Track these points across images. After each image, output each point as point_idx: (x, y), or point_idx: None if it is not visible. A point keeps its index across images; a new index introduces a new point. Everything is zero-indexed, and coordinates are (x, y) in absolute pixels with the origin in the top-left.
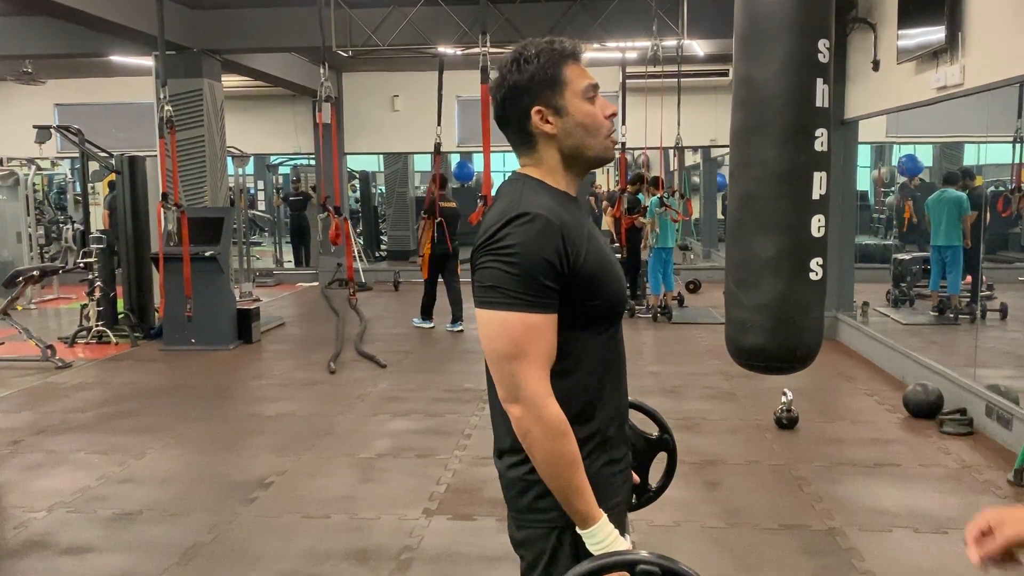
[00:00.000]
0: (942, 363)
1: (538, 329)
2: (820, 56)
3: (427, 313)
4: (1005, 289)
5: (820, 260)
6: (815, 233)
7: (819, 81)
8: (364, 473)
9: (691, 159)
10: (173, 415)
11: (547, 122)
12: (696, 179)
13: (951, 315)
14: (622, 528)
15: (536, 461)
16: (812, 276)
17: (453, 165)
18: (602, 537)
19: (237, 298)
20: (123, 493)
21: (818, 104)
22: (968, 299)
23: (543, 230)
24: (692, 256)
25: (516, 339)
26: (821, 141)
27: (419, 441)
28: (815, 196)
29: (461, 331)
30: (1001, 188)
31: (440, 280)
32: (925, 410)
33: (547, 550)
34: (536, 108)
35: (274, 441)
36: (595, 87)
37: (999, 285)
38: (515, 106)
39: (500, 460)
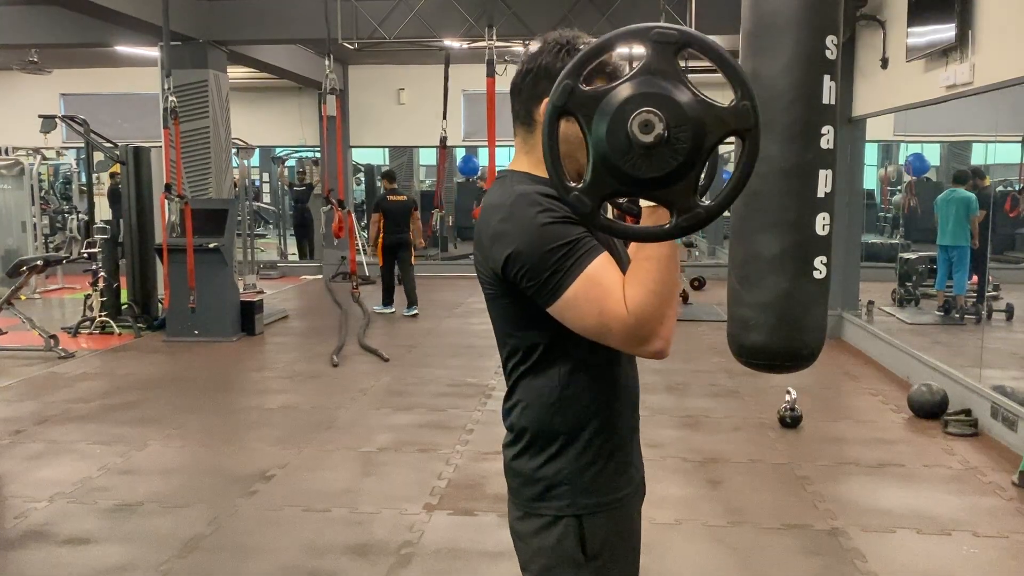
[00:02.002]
0: (947, 363)
1: (601, 269)
2: (828, 52)
3: (388, 300)
4: (1012, 289)
5: (824, 258)
6: (820, 231)
7: (826, 78)
8: (365, 467)
9: None
10: (175, 406)
11: None
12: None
13: (957, 315)
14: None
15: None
16: (816, 274)
17: (459, 159)
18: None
19: (241, 290)
20: (124, 484)
21: (825, 101)
22: (974, 299)
23: (540, 201)
24: (697, 253)
25: (592, 298)
26: (827, 139)
27: (421, 435)
28: (820, 194)
29: (416, 315)
30: (1009, 188)
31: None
32: (930, 410)
33: (552, 541)
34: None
35: (275, 434)
36: None
37: (1005, 285)
38: (533, 86)
39: (507, 449)
